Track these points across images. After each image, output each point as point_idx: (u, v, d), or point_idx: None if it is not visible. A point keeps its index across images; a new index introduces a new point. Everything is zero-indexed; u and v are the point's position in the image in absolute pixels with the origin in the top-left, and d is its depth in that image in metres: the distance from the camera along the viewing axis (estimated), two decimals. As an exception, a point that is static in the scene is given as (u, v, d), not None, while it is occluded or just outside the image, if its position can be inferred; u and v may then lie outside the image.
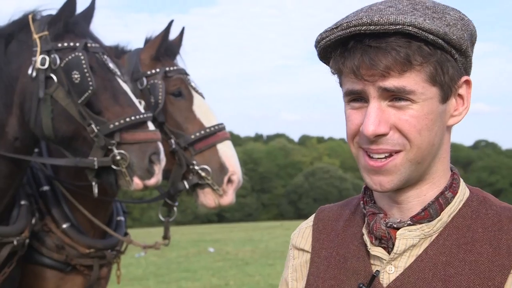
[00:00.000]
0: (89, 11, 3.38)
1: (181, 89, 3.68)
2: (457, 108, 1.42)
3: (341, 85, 1.43)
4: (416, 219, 1.41)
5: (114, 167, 3.08)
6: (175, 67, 3.73)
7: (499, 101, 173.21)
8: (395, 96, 1.34)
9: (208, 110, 3.69)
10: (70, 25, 3.19)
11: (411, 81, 1.33)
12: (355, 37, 1.34)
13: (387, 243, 1.42)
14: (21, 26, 3.20)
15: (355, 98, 1.39)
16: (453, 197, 1.44)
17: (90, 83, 3.02)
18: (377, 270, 1.42)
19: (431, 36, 1.31)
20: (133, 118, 3.08)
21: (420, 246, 1.41)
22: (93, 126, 3.04)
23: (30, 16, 3.19)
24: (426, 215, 1.41)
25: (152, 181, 3.12)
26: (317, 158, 79.68)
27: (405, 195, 1.43)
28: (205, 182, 3.55)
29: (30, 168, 3.47)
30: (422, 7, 1.35)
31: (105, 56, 3.20)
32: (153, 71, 3.68)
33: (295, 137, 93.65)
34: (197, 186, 3.59)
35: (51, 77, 3.06)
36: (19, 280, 3.45)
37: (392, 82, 1.32)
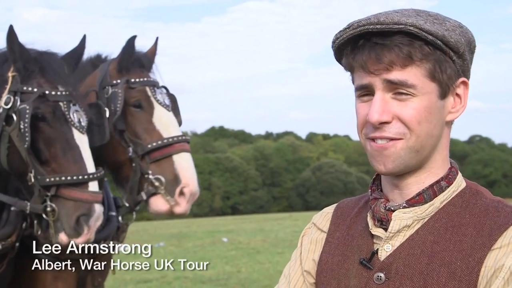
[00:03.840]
0: (79, 50, 3.25)
1: (140, 101, 3.55)
2: (454, 105, 1.49)
3: (353, 82, 1.51)
4: (411, 203, 1.49)
5: (44, 216, 2.99)
6: (141, 79, 3.60)
7: (492, 99, 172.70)
8: (398, 90, 1.42)
9: (168, 122, 3.56)
10: (40, 67, 3.04)
11: (412, 75, 1.41)
12: (364, 35, 1.43)
13: (386, 224, 1.51)
14: (5, 59, 3.09)
15: (364, 93, 1.47)
16: (448, 186, 1.51)
17: (27, 138, 2.91)
18: (377, 248, 1.51)
19: (430, 37, 1.39)
20: (74, 177, 2.96)
21: (413, 227, 1.48)
22: (32, 174, 2.95)
23: None
24: (420, 199, 1.49)
25: (79, 240, 3.00)
26: (323, 154, 79.63)
27: (405, 181, 1.50)
28: (158, 192, 3.46)
29: None
30: (425, 14, 1.44)
31: (71, 105, 3.04)
32: (117, 80, 3.56)
33: (303, 135, 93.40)
34: (152, 195, 3.51)
35: (12, 117, 2.95)
36: (11, 277, 3.37)
37: (395, 75, 1.41)
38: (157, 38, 3.76)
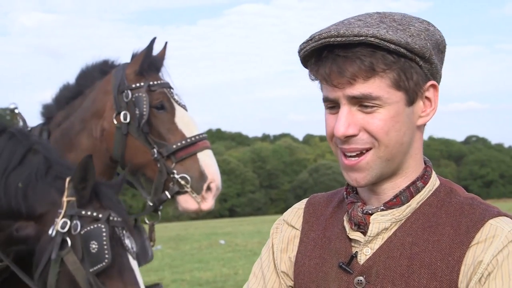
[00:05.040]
0: (119, 183, 3.30)
1: (163, 103, 3.59)
2: (424, 110, 1.46)
3: (321, 90, 1.48)
4: (389, 205, 1.47)
5: None
6: (159, 81, 3.65)
7: (488, 99, 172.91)
8: (363, 102, 1.39)
9: (189, 122, 3.63)
10: (96, 193, 3.09)
11: (376, 87, 1.38)
12: (327, 47, 1.40)
13: (364, 228, 1.48)
14: (59, 176, 3.10)
15: (331, 105, 1.45)
16: (424, 186, 1.48)
17: (107, 256, 2.94)
18: (356, 251, 1.48)
19: (392, 46, 1.36)
20: None
21: (391, 229, 1.46)
22: None
23: (67, 180, 3.04)
24: (397, 201, 1.47)
25: None
26: (320, 156, 79.72)
27: (381, 187, 1.48)
28: (184, 190, 3.51)
29: None
30: (389, 20, 1.40)
31: (124, 231, 3.11)
32: (138, 84, 3.60)
33: (300, 136, 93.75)
34: (177, 193, 3.55)
35: (66, 240, 2.97)
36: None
37: (358, 89, 1.38)
38: (166, 43, 3.82)
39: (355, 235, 1.49)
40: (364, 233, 1.47)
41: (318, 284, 1.52)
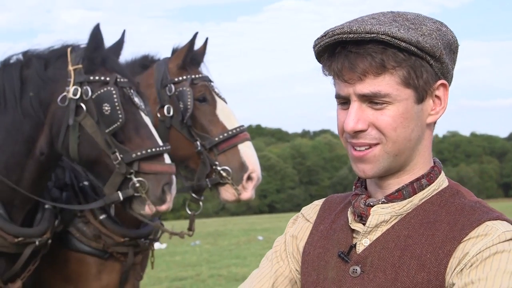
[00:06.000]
0: (119, 45, 3.43)
1: (205, 95, 3.71)
2: (434, 108, 1.50)
3: (334, 86, 1.53)
4: (390, 198, 1.51)
5: (135, 194, 3.17)
6: (200, 75, 3.76)
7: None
8: (372, 100, 1.44)
9: (230, 114, 3.74)
10: (101, 59, 3.24)
11: (385, 84, 1.42)
12: (340, 44, 1.45)
13: (366, 219, 1.53)
14: (59, 55, 3.26)
15: (343, 101, 1.50)
16: (428, 184, 1.52)
17: (120, 116, 3.10)
18: (356, 242, 1.54)
19: (403, 44, 1.40)
20: (152, 150, 3.16)
21: (391, 222, 1.51)
22: (117, 154, 3.11)
23: (69, 49, 3.23)
24: (399, 195, 1.51)
25: (163, 207, 3.20)
26: (360, 152, 79.01)
27: (387, 182, 1.53)
28: (225, 182, 3.62)
29: (71, 167, 3.55)
30: (402, 19, 1.45)
31: (132, 91, 3.25)
32: (180, 78, 3.71)
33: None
34: (218, 184, 3.66)
35: (81, 106, 3.13)
36: (58, 267, 3.52)
37: (368, 87, 1.43)
38: (206, 38, 3.92)
39: (357, 226, 1.54)
40: (365, 225, 1.52)
41: (318, 272, 1.57)
